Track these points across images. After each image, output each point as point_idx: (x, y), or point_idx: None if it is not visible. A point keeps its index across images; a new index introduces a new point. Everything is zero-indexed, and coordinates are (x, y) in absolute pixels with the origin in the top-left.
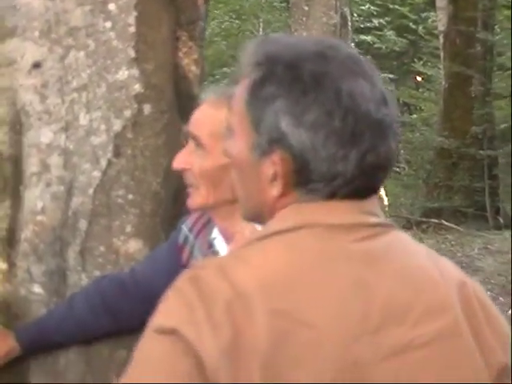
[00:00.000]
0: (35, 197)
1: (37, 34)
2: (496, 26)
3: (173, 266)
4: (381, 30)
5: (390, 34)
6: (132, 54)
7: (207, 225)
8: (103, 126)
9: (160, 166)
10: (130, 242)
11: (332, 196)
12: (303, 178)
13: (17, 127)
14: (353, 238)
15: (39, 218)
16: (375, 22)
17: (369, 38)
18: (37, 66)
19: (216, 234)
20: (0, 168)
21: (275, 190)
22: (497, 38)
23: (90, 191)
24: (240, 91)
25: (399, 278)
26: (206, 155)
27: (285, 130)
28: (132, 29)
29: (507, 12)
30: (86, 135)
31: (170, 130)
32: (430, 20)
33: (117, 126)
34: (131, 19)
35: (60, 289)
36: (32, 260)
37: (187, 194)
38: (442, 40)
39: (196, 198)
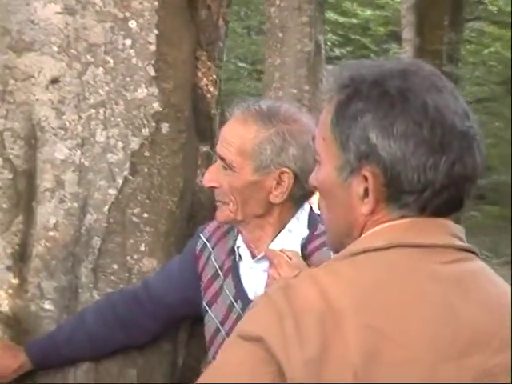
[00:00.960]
0: (48, 213)
1: (55, 49)
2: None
3: (186, 277)
4: (342, 59)
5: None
6: (152, 72)
7: (227, 234)
8: (120, 144)
9: (176, 186)
10: (143, 260)
11: (422, 211)
12: (394, 191)
13: (32, 142)
14: (442, 260)
15: (51, 233)
16: (337, 51)
17: (329, 68)
18: (54, 81)
19: (240, 242)
20: (14, 183)
21: (366, 208)
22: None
23: (105, 209)
24: (324, 117)
25: (485, 304)
26: (234, 174)
27: (374, 142)
28: (152, 47)
29: (469, 47)
30: (103, 152)
31: (187, 150)
32: (391, 51)
33: (134, 143)
34: (152, 37)
35: (71, 306)
36: (43, 276)
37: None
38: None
39: (225, 212)
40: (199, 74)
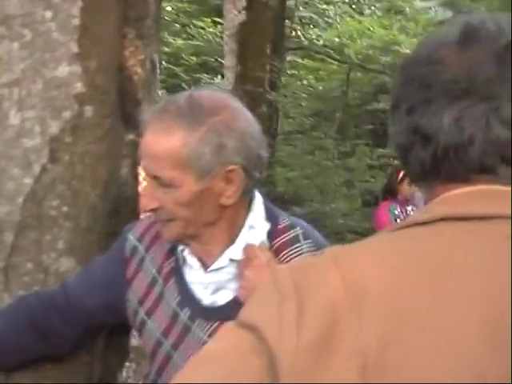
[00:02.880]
0: None
1: None
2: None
3: (111, 281)
4: None
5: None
6: (75, 48)
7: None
8: (37, 128)
9: (100, 177)
10: (61, 259)
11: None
12: None
13: None
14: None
15: None
16: None
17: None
18: None
19: (184, 245)
20: None
21: None
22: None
23: (19, 200)
24: None
25: None
26: (177, 190)
27: None
28: (76, 21)
29: (293, 71)
30: (17, 136)
31: (112, 137)
32: (202, 81)
33: (54, 128)
34: (75, 10)
35: None
36: None
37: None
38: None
39: (173, 230)
40: (126, 53)
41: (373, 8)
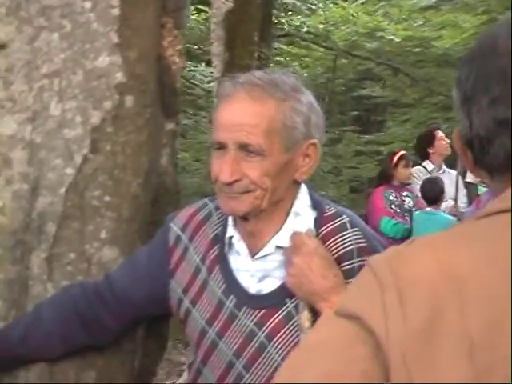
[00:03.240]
0: None
1: (3, 10)
2: None
3: (156, 273)
4: None
5: None
6: (114, 39)
7: (205, 222)
8: (79, 118)
9: (141, 166)
10: (104, 249)
11: None
12: None
13: None
14: None
15: None
16: None
17: None
18: (1, 47)
19: (233, 232)
20: None
21: None
22: None
23: (61, 190)
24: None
25: None
26: (264, 159)
27: None
28: (115, 11)
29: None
30: (58, 127)
31: (152, 127)
32: (186, 69)
33: (95, 118)
34: (115, 0)
35: (21, 300)
36: None
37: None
38: (216, 86)
39: (247, 201)
40: (165, 44)
41: None
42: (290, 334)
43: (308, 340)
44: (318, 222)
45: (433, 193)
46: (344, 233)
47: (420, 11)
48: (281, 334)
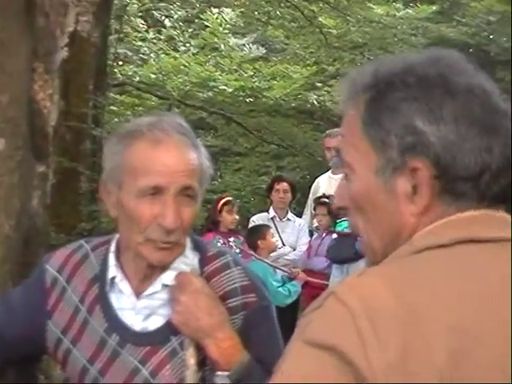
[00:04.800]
0: None
1: None
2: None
3: (31, 313)
4: None
5: None
6: None
7: (82, 263)
8: None
9: (13, 208)
10: None
11: (481, 200)
12: (448, 181)
13: None
14: None
15: None
16: None
17: None
18: None
19: (116, 272)
20: None
21: (418, 206)
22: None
23: None
24: (350, 123)
25: None
26: (195, 203)
27: (422, 128)
28: None
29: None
30: None
31: (23, 169)
32: None
33: None
34: None
35: None
36: None
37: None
38: (51, 136)
39: (177, 253)
40: (35, 87)
41: (188, 45)
42: (174, 371)
43: (284, 373)
44: (202, 262)
45: (251, 239)
46: (228, 271)
47: (250, 62)
48: (164, 370)
